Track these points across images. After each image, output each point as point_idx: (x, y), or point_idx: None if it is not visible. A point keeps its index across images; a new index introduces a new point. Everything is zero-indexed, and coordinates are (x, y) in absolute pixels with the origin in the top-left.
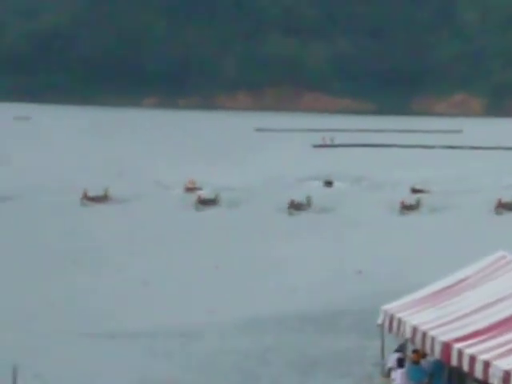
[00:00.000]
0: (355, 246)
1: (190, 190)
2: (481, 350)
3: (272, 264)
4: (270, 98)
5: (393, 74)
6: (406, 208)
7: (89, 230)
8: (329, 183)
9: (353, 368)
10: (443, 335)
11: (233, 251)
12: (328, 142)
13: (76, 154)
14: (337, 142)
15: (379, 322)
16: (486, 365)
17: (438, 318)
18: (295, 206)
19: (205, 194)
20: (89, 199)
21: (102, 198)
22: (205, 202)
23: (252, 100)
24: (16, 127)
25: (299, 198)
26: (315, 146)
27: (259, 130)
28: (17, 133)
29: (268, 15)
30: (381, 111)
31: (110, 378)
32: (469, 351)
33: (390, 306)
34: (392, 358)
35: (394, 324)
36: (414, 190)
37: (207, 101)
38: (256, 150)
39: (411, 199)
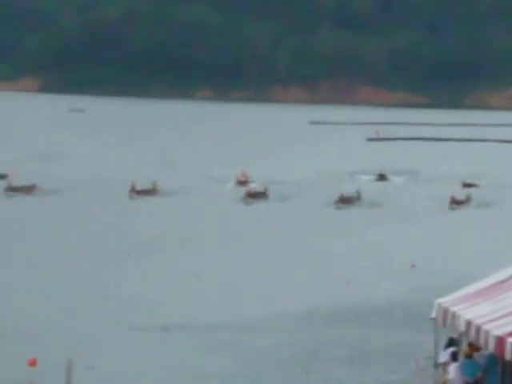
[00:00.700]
0: (407, 241)
1: (241, 183)
2: None
3: (324, 258)
4: (324, 91)
5: (448, 67)
6: (456, 203)
7: (138, 223)
8: (382, 177)
9: (406, 362)
10: (497, 329)
11: (281, 245)
12: (381, 136)
13: (127, 146)
14: (391, 135)
15: (433, 315)
16: None
17: (492, 312)
18: (344, 200)
19: (254, 187)
20: (137, 192)
21: (151, 191)
22: (254, 196)
23: (306, 93)
24: (71, 120)
25: (349, 191)
26: (369, 140)
27: (313, 123)
28: (71, 125)
29: (322, 8)
30: (436, 105)
31: (163, 370)
32: None
33: (444, 300)
34: (445, 353)
35: (448, 318)
36: (465, 185)
37: (261, 94)
38: (309, 143)
39: (461, 194)
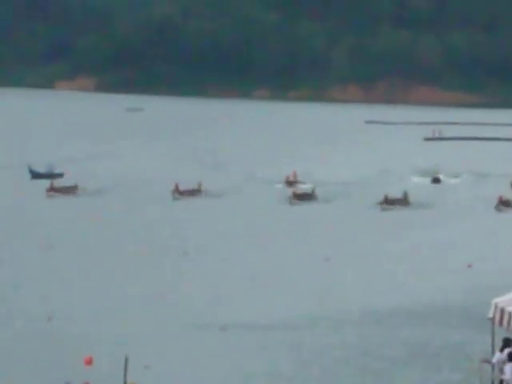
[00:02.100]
0: (459, 242)
1: (290, 183)
2: None
3: (377, 259)
4: (380, 91)
5: (505, 66)
6: (504, 204)
7: (180, 224)
8: (436, 180)
9: (463, 362)
10: None
11: (329, 247)
12: (438, 135)
13: (179, 146)
14: (448, 135)
15: (490, 315)
16: None
17: None
18: (389, 202)
19: (301, 188)
20: (180, 193)
21: (195, 192)
22: (300, 197)
23: (363, 93)
24: (127, 119)
25: (395, 193)
26: (426, 139)
27: (369, 122)
28: (127, 125)
29: (380, 8)
30: (492, 104)
31: (219, 370)
32: None
33: (501, 300)
34: (499, 353)
35: (505, 318)
36: None
37: (317, 93)
38: (365, 143)
39: (510, 195)
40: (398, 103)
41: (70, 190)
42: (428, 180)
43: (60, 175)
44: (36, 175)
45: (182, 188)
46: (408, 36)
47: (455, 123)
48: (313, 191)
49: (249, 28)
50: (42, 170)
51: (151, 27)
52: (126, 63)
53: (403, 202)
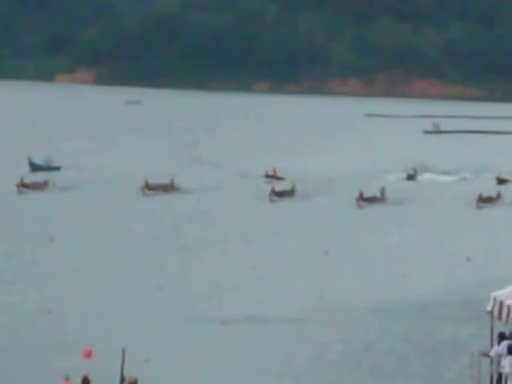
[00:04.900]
0: (448, 236)
1: (268, 179)
2: None
3: (373, 254)
4: (380, 84)
5: (505, 60)
6: (484, 201)
7: (148, 221)
8: (411, 177)
9: (461, 356)
10: None
11: (326, 242)
12: (438, 128)
13: (172, 139)
14: (447, 128)
15: (488, 308)
16: None
17: None
18: (365, 199)
19: (280, 185)
20: (150, 189)
21: (167, 188)
22: (279, 194)
23: (362, 85)
24: (126, 112)
25: (371, 190)
26: (425, 132)
27: (369, 115)
28: (126, 117)
29: (380, 0)
30: (492, 98)
31: (217, 364)
32: None
33: (500, 293)
34: (498, 346)
35: (504, 311)
36: (500, 180)
37: (317, 86)
38: (364, 136)
39: (491, 192)
40: (398, 96)
41: (39, 186)
42: (402, 177)
43: (57, 168)
44: (35, 168)
45: (152, 183)
46: (408, 29)
47: (454, 116)
48: (292, 188)
49: (248, 21)
50: (40, 162)
51: (151, 20)
52: (126, 56)
53: (379, 199)
